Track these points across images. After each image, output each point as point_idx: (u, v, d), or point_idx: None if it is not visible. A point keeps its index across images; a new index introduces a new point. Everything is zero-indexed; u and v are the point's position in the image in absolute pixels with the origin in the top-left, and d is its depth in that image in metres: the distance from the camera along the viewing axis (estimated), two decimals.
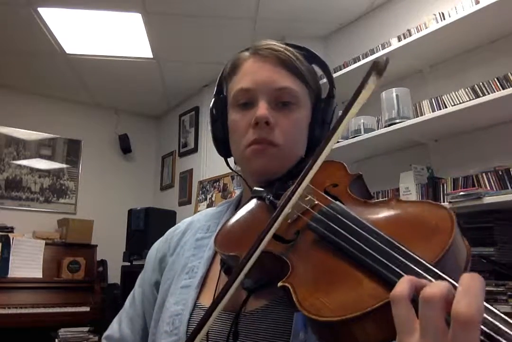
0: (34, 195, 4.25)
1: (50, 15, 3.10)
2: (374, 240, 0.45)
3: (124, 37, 3.41)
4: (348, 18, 3.09)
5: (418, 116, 2.24)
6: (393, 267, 0.41)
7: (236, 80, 0.72)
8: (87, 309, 3.51)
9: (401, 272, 0.40)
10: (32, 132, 4.31)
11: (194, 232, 0.79)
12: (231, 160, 0.78)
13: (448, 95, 2.22)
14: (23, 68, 3.91)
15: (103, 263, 4.06)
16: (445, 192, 2.13)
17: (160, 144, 5.04)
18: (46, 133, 4.39)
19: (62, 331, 3.29)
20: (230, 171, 0.79)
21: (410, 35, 2.38)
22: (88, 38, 3.42)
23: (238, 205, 0.79)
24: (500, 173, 1.99)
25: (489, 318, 0.33)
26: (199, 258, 0.72)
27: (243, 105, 0.69)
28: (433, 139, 2.39)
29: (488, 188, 1.99)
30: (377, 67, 0.46)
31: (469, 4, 2.15)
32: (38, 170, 4.31)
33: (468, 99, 2.09)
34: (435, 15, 2.32)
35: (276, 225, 0.49)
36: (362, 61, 2.55)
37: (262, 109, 0.66)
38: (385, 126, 2.31)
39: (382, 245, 0.43)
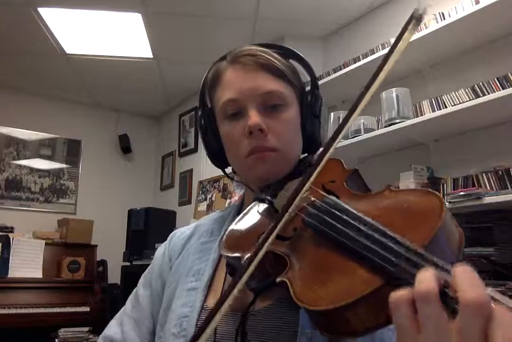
0: (34, 195, 4.25)
1: (50, 15, 3.10)
2: (366, 230, 0.46)
3: (124, 37, 3.41)
4: (348, 18, 3.08)
5: (418, 116, 2.24)
6: (384, 253, 0.42)
7: (220, 91, 0.71)
8: (87, 309, 3.51)
9: (391, 258, 0.41)
10: (32, 132, 4.31)
11: (199, 236, 0.79)
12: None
13: (448, 95, 2.22)
14: (23, 68, 3.90)
15: (103, 263, 4.06)
16: (445, 192, 2.12)
17: (160, 144, 5.04)
18: (46, 133, 4.39)
19: (62, 331, 3.28)
20: (230, 171, 0.79)
21: None
22: (88, 38, 3.42)
23: (240, 209, 0.79)
24: (500, 173, 1.99)
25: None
26: (205, 260, 0.73)
27: (233, 116, 0.69)
28: (433, 139, 2.39)
29: (488, 188, 1.99)
30: (416, 15, 0.49)
31: (469, 4, 2.15)
32: (38, 170, 4.31)
33: (468, 99, 2.08)
34: (435, 15, 2.32)
35: (277, 228, 0.50)
36: (362, 61, 2.55)
37: (253, 117, 0.66)
38: (385, 126, 2.31)
39: (373, 234, 0.45)
